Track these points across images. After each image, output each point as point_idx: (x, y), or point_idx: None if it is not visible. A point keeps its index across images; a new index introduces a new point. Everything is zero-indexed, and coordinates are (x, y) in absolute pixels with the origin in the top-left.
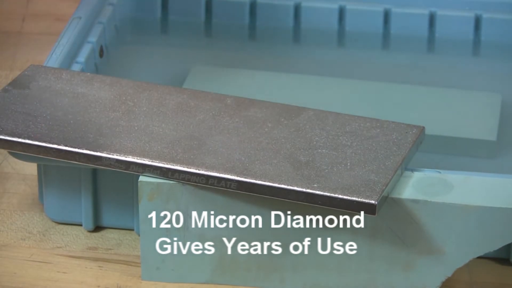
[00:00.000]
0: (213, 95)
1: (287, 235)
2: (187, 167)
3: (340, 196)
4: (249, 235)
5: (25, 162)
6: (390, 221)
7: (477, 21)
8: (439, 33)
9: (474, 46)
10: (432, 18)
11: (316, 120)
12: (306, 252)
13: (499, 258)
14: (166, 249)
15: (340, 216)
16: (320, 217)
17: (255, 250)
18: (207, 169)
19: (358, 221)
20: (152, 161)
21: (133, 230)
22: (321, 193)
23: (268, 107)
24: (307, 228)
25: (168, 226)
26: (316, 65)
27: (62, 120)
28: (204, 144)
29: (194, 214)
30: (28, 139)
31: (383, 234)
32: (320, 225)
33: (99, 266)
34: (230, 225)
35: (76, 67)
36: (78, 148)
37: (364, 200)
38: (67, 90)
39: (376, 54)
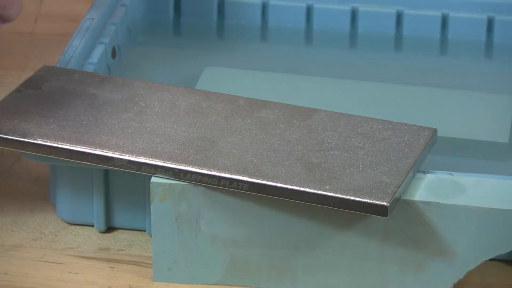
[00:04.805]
0: (225, 96)
1: (298, 237)
2: (199, 168)
3: (352, 197)
4: (260, 236)
5: (37, 163)
6: (402, 223)
7: (490, 23)
8: (451, 35)
9: (487, 48)
10: (444, 20)
11: (328, 121)
12: (317, 253)
13: (511, 261)
14: (177, 250)
15: (352, 218)
16: (332, 219)
17: (267, 251)
18: (219, 170)
19: (370, 223)
20: (164, 162)
21: (144, 231)
22: (333, 194)
23: (280, 108)
24: (319, 229)
25: (180, 227)
26: (328, 67)
27: (74, 121)
28: (216, 145)
29: (206, 215)
30: (40, 139)
31: (395, 236)
32: (332, 227)
33: (111, 267)
34: (242, 226)
35: (88, 68)
36: (90, 149)
37: (376, 202)
38: (79, 90)
39: (388, 56)
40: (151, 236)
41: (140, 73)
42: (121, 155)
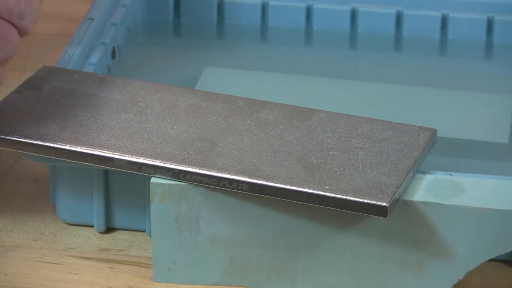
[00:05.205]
0: (225, 96)
1: (298, 237)
2: (199, 169)
3: (351, 198)
4: (260, 236)
5: (36, 163)
6: (401, 224)
7: (490, 23)
8: (451, 35)
9: (487, 48)
10: (444, 20)
11: (328, 122)
12: (317, 254)
13: (511, 261)
14: (177, 250)
15: (352, 218)
16: (331, 219)
17: (267, 251)
18: (219, 170)
19: (369, 223)
20: (164, 163)
21: (144, 231)
22: (333, 195)
23: (280, 109)
24: (319, 230)
25: (180, 227)
26: (328, 67)
27: (74, 121)
28: (215, 145)
29: (206, 215)
30: (40, 140)
31: (395, 236)
32: (332, 227)
33: (111, 268)
34: (242, 227)
35: (88, 68)
36: (90, 149)
37: (375, 203)
38: (79, 91)
39: (388, 56)
40: (151, 237)
41: (140, 73)
42: (120, 155)
